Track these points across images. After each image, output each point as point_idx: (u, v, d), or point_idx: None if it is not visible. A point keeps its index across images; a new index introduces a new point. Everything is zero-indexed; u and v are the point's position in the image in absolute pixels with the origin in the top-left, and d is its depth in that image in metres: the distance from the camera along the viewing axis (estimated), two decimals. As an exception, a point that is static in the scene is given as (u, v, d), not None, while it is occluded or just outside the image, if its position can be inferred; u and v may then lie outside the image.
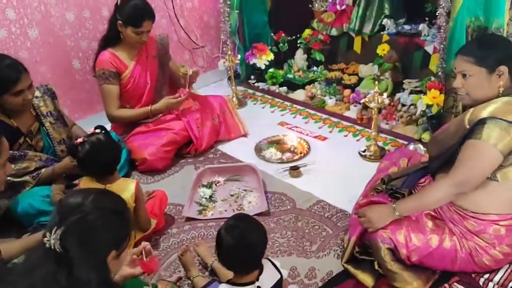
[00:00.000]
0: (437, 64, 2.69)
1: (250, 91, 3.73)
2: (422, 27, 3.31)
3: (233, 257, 1.47)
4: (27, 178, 2.22)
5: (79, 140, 1.91)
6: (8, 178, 2.13)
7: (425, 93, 3.06)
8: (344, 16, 3.80)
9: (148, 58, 2.77)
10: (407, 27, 3.43)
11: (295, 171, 2.54)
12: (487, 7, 2.27)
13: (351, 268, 1.79)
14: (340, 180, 2.47)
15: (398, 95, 3.20)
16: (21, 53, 2.80)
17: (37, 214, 2.14)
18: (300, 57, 3.85)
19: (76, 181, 2.32)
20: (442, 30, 2.41)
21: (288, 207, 2.29)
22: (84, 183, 1.96)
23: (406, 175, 1.93)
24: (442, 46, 2.44)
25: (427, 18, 3.34)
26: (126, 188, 1.92)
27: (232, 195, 2.40)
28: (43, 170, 2.22)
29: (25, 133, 2.25)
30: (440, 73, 2.55)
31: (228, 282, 1.52)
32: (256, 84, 3.75)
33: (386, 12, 3.53)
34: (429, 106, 2.60)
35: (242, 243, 1.44)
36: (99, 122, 3.07)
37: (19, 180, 2.19)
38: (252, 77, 3.81)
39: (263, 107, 3.45)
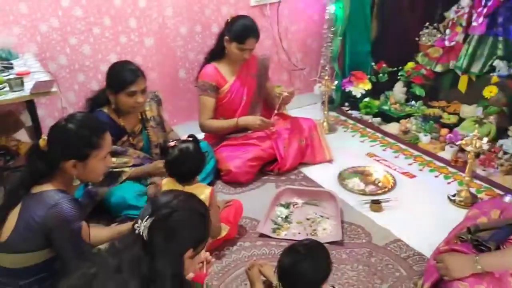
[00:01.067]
0: None
1: (343, 118, 3.71)
2: (538, 72, 3.07)
3: (285, 279, 1.49)
4: (125, 169, 2.43)
5: (172, 143, 2.08)
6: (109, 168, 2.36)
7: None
8: (451, 53, 3.64)
9: (248, 76, 2.90)
10: (521, 70, 3.20)
11: (376, 205, 2.48)
12: None
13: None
14: (423, 222, 2.36)
15: (500, 141, 2.99)
16: (136, 59, 3.07)
17: (127, 207, 2.33)
18: (399, 90, 3.75)
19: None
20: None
21: (364, 240, 2.24)
22: (167, 182, 2.11)
23: (496, 228, 1.80)
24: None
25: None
26: (202, 192, 2.05)
27: (308, 219, 2.41)
28: (133, 169, 2.42)
29: (129, 133, 2.47)
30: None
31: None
32: (349, 112, 3.73)
33: (499, 53, 3.32)
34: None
35: (292, 270, 1.48)
36: (195, 130, 3.31)
37: (117, 170, 2.40)
38: (346, 104, 3.79)
39: (353, 136, 3.41)
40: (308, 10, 3.67)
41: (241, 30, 2.72)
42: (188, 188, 2.03)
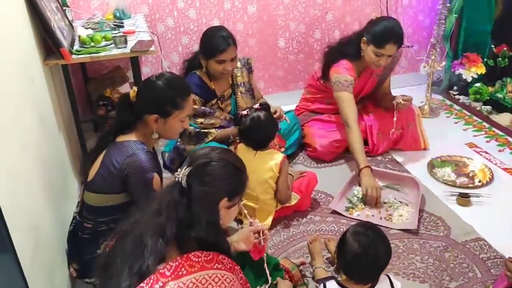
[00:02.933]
0: None
1: (448, 102, 3.44)
2: None
3: (354, 265, 1.47)
4: (212, 130, 2.54)
5: (244, 112, 2.16)
6: (197, 128, 2.50)
7: None
8: None
9: (372, 76, 2.74)
10: None
11: (464, 198, 2.30)
12: None
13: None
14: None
15: None
16: (237, 25, 3.14)
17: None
18: (519, 77, 3.35)
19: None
20: None
21: (441, 234, 2.10)
22: (240, 147, 2.19)
23: None
24: None
25: None
26: (273, 157, 2.13)
27: (385, 202, 2.32)
28: (219, 131, 2.51)
29: (219, 96, 2.56)
30: None
31: (339, 283, 1.53)
32: (457, 97, 3.44)
33: None
34: None
35: (369, 253, 1.43)
36: (289, 100, 3.32)
37: (205, 131, 2.53)
38: (455, 88, 3.49)
39: (456, 122, 3.15)
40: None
41: (382, 32, 2.45)
42: (260, 154, 2.12)
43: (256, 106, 2.18)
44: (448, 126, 3.11)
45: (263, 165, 2.15)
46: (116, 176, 1.66)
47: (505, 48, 3.38)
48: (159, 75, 1.78)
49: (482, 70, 3.28)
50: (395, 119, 2.61)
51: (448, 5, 3.21)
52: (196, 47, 3.10)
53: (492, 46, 3.45)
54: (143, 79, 2.55)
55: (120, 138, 1.73)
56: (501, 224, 2.15)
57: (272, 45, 3.30)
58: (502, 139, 2.90)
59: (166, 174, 2.62)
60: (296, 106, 3.04)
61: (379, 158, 2.74)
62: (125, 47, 2.33)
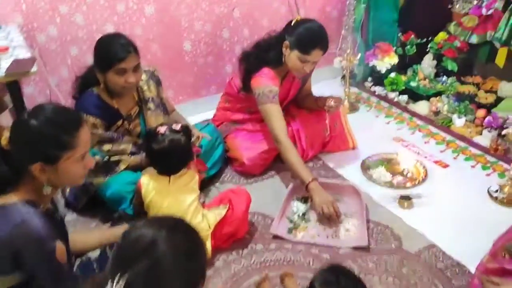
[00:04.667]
0: None
1: (365, 94, 3.37)
2: None
3: None
4: (123, 157, 2.14)
5: (162, 129, 1.84)
6: (104, 157, 2.09)
7: None
8: (489, 22, 3.21)
9: (294, 80, 2.49)
10: None
11: (406, 201, 2.18)
12: None
13: None
14: (461, 223, 2.06)
15: (546, 125, 2.64)
16: (135, 30, 2.74)
17: (124, 201, 2.06)
18: (428, 64, 3.37)
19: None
20: None
21: (393, 245, 1.95)
22: (148, 179, 1.89)
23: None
24: None
25: None
26: (190, 176, 1.91)
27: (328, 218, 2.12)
28: (132, 157, 2.13)
29: (125, 116, 2.16)
30: None
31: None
32: (372, 89, 3.37)
33: (547, 22, 2.92)
34: None
35: None
36: (203, 107, 3.01)
37: (115, 159, 2.12)
38: (369, 79, 3.43)
39: (377, 116, 3.08)
40: (328, -27, 3.28)
41: (307, 36, 2.22)
42: (175, 177, 1.85)
43: (177, 127, 1.85)
44: (370, 120, 3.02)
45: (183, 189, 1.88)
46: (3, 252, 1.23)
47: (412, 36, 3.39)
48: (33, 110, 1.34)
49: (394, 59, 3.25)
50: (327, 121, 2.42)
51: (356, -6, 3.11)
52: (89, 59, 2.64)
53: (399, 34, 3.45)
54: (26, 102, 2.09)
55: (0, 201, 1.29)
56: (446, 224, 2.06)
57: (178, 49, 2.94)
58: (425, 129, 2.87)
59: (71, 216, 2.18)
60: (214, 116, 2.73)
61: (310, 164, 2.54)
62: (-3, 69, 1.83)
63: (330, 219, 2.05)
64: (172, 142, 1.81)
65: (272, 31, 2.43)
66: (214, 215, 1.91)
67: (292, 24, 2.28)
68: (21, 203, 1.28)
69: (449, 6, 3.43)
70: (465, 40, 3.27)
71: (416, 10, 3.44)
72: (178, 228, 1.04)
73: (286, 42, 2.25)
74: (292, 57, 2.25)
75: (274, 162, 2.52)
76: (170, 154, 1.82)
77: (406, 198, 2.19)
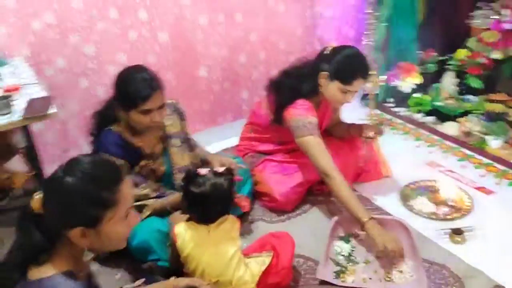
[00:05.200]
0: None
1: (387, 116, 3.22)
2: None
3: None
4: (148, 201, 1.95)
5: (203, 171, 1.64)
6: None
7: None
8: (510, 37, 3.13)
9: (328, 109, 2.33)
10: None
11: (458, 235, 2.01)
12: None
13: None
14: (522, 257, 1.90)
15: None
16: (149, 57, 2.57)
17: (152, 252, 1.86)
18: (449, 82, 3.25)
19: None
20: None
21: (454, 287, 1.77)
22: (188, 226, 1.68)
23: None
24: None
25: None
26: (230, 223, 1.70)
27: (377, 257, 1.93)
28: (158, 201, 1.94)
29: (148, 155, 1.97)
30: None
31: None
32: (394, 110, 3.23)
33: None
34: None
35: None
36: (220, 135, 2.84)
37: (138, 203, 1.92)
38: (391, 99, 3.29)
39: (404, 139, 2.92)
40: (344, -9, 3.16)
41: (349, 67, 2.06)
42: (215, 227, 1.65)
43: (220, 169, 1.67)
44: (398, 144, 2.86)
45: (224, 238, 1.67)
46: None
47: (434, 53, 3.27)
48: (68, 165, 1.14)
49: (418, 79, 3.11)
50: (364, 152, 2.26)
51: (376, 14, 2.98)
52: (100, 91, 2.48)
53: (419, 52, 3.33)
54: (34, 140, 1.90)
55: (34, 274, 1.08)
56: (506, 259, 1.89)
57: (193, 76, 2.78)
58: (459, 152, 2.71)
59: (93, 266, 1.97)
60: (237, 147, 2.55)
61: (344, 196, 2.35)
62: (10, 112, 1.64)
63: (392, 258, 1.84)
64: (214, 186, 1.62)
65: (303, 58, 2.27)
66: (258, 265, 1.72)
67: (328, 52, 2.12)
68: (60, 276, 1.07)
69: (467, 22, 3.33)
70: (487, 55, 3.16)
71: (434, 26, 3.33)
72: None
73: (324, 73, 2.08)
74: (331, 88, 2.08)
75: (307, 194, 2.35)
76: (211, 200, 1.63)
77: (458, 231, 2.02)
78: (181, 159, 2.05)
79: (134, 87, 1.78)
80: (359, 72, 2.05)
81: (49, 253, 1.11)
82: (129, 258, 1.94)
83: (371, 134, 2.24)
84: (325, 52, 2.13)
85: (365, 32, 3.05)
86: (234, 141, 2.82)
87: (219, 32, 2.76)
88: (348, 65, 2.06)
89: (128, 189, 1.18)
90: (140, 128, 1.88)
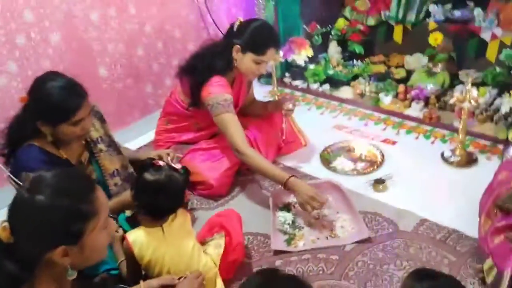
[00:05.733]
0: (503, 52, 2.63)
1: (287, 90, 3.39)
2: (477, 12, 3.02)
3: None
4: None
5: (161, 162, 1.60)
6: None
7: (487, 85, 2.84)
8: (380, 3, 3.48)
9: (242, 84, 2.38)
10: (457, 13, 3.14)
11: (380, 184, 2.24)
12: None
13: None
14: (435, 192, 2.19)
15: (457, 88, 2.94)
16: (42, 62, 2.36)
17: (101, 262, 1.76)
18: (334, 51, 3.52)
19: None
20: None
21: (390, 230, 1.99)
22: (136, 230, 1.61)
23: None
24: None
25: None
26: (182, 216, 1.66)
27: (317, 218, 2.07)
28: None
29: (76, 166, 1.84)
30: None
31: None
32: (293, 83, 3.40)
33: (433, -3, 3.24)
34: (520, 102, 2.33)
35: None
36: (130, 136, 2.74)
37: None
38: (287, 75, 3.46)
39: (308, 109, 3.12)
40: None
41: (259, 36, 2.14)
42: (168, 226, 1.60)
43: (177, 165, 1.62)
44: (304, 114, 3.03)
45: (180, 233, 1.64)
46: None
47: (318, 26, 3.50)
48: (32, 184, 1.06)
49: (310, 52, 3.29)
50: (284, 125, 2.37)
51: (264, -7, 3.10)
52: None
53: (304, 26, 3.54)
54: None
55: None
56: (424, 197, 2.16)
57: (93, 77, 2.61)
58: (358, 112, 2.99)
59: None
60: (156, 142, 2.50)
61: (272, 170, 2.46)
62: None
63: (313, 208, 1.97)
64: (169, 178, 1.56)
65: (209, 39, 2.29)
66: (216, 249, 1.74)
67: (236, 27, 2.17)
68: None
69: (341, -7, 3.63)
70: (363, 22, 3.48)
71: (314, 1, 3.56)
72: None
73: (237, 47, 2.14)
74: (245, 60, 2.15)
75: (237, 177, 2.40)
76: (164, 191, 1.56)
77: (380, 181, 2.25)
78: (110, 164, 1.95)
79: (61, 99, 1.63)
80: (270, 41, 2.15)
81: (30, 281, 1.02)
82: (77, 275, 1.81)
83: (290, 106, 2.35)
84: (234, 28, 2.18)
85: (256, 12, 3.15)
86: (148, 137, 2.77)
87: (112, 27, 2.62)
88: (259, 36, 2.14)
89: (103, 195, 1.12)
90: (69, 139, 1.74)
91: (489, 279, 1.59)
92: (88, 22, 2.50)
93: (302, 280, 0.98)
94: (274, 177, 2.07)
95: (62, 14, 2.38)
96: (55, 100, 1.63)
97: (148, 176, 1.58)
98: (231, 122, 2.14)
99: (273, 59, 2.37)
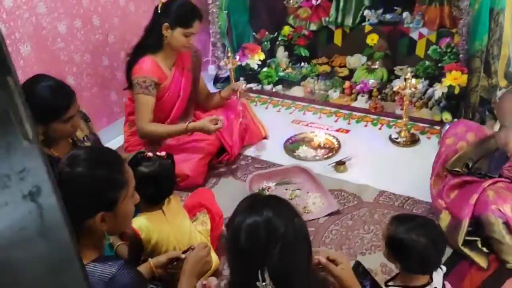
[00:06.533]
0: (430, 48, 3.04)
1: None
2: (406, 14, 3.45)
3: (425, 258, 1.37)
4: None
5: (150, 153, 1.76)
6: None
7: (420, 77, 3.23)
8: (320, 10, 3.84)
9: (184, 70, 2.58)
10: (388, 16, 3.55)
11: (341, 166, 2.52)
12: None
13: (467, 251, 1.81)
14: (387, 168, 2.50)
15: (394, 82, 3.32)
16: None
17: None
18: (282, 55, 3.82)
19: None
20: (465, 14, 2.54)
21: (355, 202, 2.27)
22: (140, 216, 1.72)
23: (483, 157, 1.97)
24: (465, 28, 2.57)
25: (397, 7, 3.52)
26: (175, 198, 1.85)
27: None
28: None
29: (67, 162, 1.95)
30: (461, 55, 2.70)
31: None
32: (248, 86, 3.64)
33: (366, 3, 3.63)
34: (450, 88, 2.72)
35: (436, 238, 1.39)
36: (103, 139, 2.83)
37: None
38: (242, 78, 3.69)
39: (266, 107, 3.37)
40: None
41: (184, 12, 2.38)
42: (166, 207, 1.77)
43: (163, 153, 1.79)
44: (263, 113, 3.24)
45: (177, 213, 1.82)
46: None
47: (266, 33, 3.78)
48: (70, 159, 1.21)
49: (262, 56, 3.57)
50: (240, 108, 2.63)
51: (217, 3, 3.33)
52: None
53: (254, 33, 3.81)
54: None
55: None
56: (380, 173, 2.47)
57: (62, 86, 2.69)
58: (311, 108, 3.27)
59: None
60: (126, 147, 2.63)
61: (242, 162, 2.68)
62: None
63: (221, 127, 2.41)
64: (161, 166, 1.73)
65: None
66: (202, 226, 1.92)
67: (160, 8, 2.40)
68: (92, 265, 1.13)
69: (285, 2, 3.95)
70: (306, 28, 3.81)
71: (261, 10, 3.84)
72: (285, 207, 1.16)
73: (166, 24, 2.37)
74: (176, 35, 2.39)
75: (210, 170, 2.59)
76: (160, 178, 1.72)
77: (340, 163, 2.53)
78: (98, 161, 2.07)
79: (52, 98, 1.75)
80: (195, 15, 2.41)
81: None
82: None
83: (242, 86, 2.63)
84: (158, 9, 2.41)
85: (210, 20, 3.37)
86: (117, 142, 2.88)
87: (78, 38, 2.73)
88: (184, 11, 2.39)
89: (129, 168, 1.28)
90: (60, 136, 1.85)
91: (445, 229, 1.89)
92: (56, 34, 2.60)
93: (281, 197, 1.21)
94: (177, 132, 2.45)
95: (32, 27, 2.46)
96: (47, 99, 1.74)
97: (143, 169, 1.73)
98: (142, 104, 2.40)
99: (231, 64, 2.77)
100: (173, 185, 1.84)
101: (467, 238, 1.83)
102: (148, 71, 2.38)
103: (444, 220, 1.91)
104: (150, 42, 2.41)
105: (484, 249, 1.84)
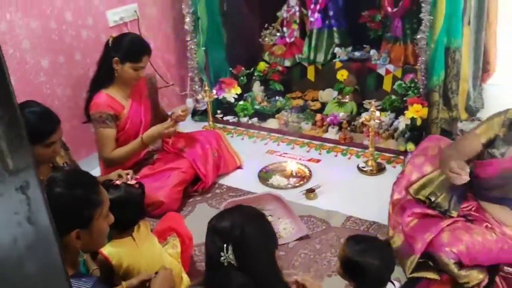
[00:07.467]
0: (396, 83, 3.23)
1: (219, 125, 3.75)
2: (373, 52, 3.68)
3: (380, 278, 1.50)
4: None
5: (119, 182, 1.84)
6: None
7: (386, 110, 3.43)
8: (294, 47, 4.06)
9: (142, 97, 2.74)
10: (357, 53, 3.78)
11: (311, 193, 2.65)
12: (450, 30, 2.69)
13: (418, 274, 1.90)
14: (355, 195, 2.64)
15: (363, 114, 3.50)
16: (-4, 106, 2.52)
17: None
18: (258, 89, 3.99)
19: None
20: (423, 52, 2.75)
21: (324, 227, 2.38)
22: (110, 244, 1.75)
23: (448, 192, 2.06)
24: (423, 65, 2.78)
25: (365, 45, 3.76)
26: (144, 224, 1.90)
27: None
28: None
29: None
30: (421, 89, 2.90)
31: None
32: (224, 118, 3.79)
33: (336, 41, 3.86)
34: (412, 120, 2.90)
35: (387, 259, 1.53)
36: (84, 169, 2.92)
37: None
38: (219, 111, 3.84)
39: (242, 139, 3.50)
40: (163, 24, 3.59)
41: (133, 48, 2.54)
42: (137, 234, 1.83)
43: (133, 182, 1.88)
44: (239, 144, 3.38)
45: (148, 238, 1.89)
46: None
47: (243, 68, 3.97)
48: (48, 181, 1.32)
49: (238, 90, 3.74)
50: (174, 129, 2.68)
51: (195, 40, 3.51)
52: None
53: (230, 69, 3.99)
54: None
55: None
56: (348, 199, 2.60)
57: (43, 118, 2.80)
58: (285, 139, 3.42)
59: None
60: (102, 172, 2.72)
61: (217, 191, 2.79)
62: None
63: (173, 127, 2.60)
64: (128, 193, 1.78)
65: None
66: (173, 249, 2.00)
67: (111, 43, 2.56)
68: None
69: (260, 40, 4.16)
70: (280, 64, 4.02)
71: (237, 47, 4.04)
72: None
73: (116, 59, 2.51)
74: (126, 69, 2.53)
75: (184, 198, 2.69)
76: (126, 204, 1.75)
77: (310, 190, 2.66)
78: (76, 188, 2.16)
79: (38, 122, 1.86)
80: (144, 50, 2.58)
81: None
82: None
83: (180, 111, 2.68)
84: (109, 44, 2.57)
85: (189, 56, 3.54)
86: (96, 172, 2.96)
87: (61, 73, 2.86)
88: (133, 47, 2.56)
89: (104, 190, 1.39)
90: (40, 160, 1.94)
91: (395, 249, 1.99)
92: (38, 68, 2.72)
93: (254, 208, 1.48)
94: (136, 148, 2.60)
95: (15, 61, 2.58)
96: (33, 122, 1.85)
97: (110, 196, 1.80)
98: (102, 137, 2.57)
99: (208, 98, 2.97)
100: (140, 212, 1.88)
101: (419, 260, 1.92)
102: (102, 106, 2.52)
103: (396, 242, 2.03)
104: (102, 75, 2.57)
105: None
